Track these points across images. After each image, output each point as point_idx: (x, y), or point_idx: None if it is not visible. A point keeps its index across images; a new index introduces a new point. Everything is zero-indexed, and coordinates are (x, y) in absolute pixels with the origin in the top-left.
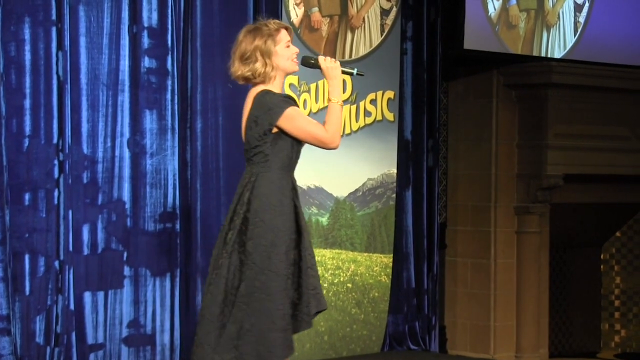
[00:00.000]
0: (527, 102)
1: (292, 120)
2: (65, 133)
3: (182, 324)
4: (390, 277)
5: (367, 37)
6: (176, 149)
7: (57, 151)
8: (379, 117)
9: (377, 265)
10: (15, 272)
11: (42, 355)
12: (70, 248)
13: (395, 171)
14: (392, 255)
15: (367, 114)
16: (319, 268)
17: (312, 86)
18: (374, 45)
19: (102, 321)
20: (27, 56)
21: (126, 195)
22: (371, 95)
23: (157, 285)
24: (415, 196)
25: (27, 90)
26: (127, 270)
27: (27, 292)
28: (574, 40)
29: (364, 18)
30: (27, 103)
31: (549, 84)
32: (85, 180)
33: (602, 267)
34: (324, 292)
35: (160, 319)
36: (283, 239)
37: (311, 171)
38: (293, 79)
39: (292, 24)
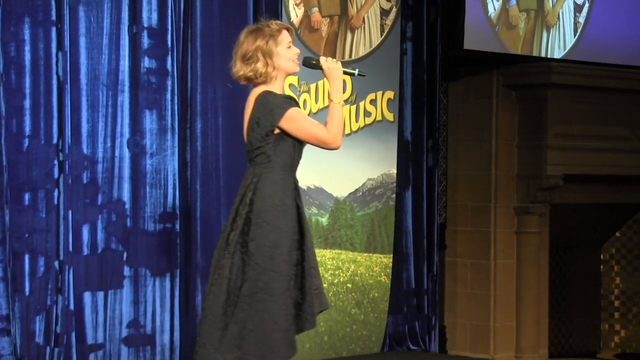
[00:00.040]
0: (527, 102)
1: (294, 121)
2: (65, 133)
3: (182, 324)
4: (390, 277)
5: (367, 38)
6: (176, 149)
7: (57, 151)
8: (379, 118)
9: (377, 265)
10: (15, 272)
11: (41, 355)
12: (70, 248)
13: (395, 171)
14: (392, 255)
15: (367, 114)
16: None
17: (312, 86)
18: (373, 46)
19: (101, 321)
20: (27, 56)
21: (126, 196)
22: (371, 96)
23: (157, 285)
24: (415, 196)
25: (27, 91)
26: (127, 271)
27: (27, 292)
28: (573, 40)
29: (363, 18)
30: (27, 103)
31: (548, 84)
32: (85, 181)
33: (602, 267)
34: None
35: (160, 319)
36: (286, 239)
37: (311, 171)
38: (293, 79)
39: (292, 24)
